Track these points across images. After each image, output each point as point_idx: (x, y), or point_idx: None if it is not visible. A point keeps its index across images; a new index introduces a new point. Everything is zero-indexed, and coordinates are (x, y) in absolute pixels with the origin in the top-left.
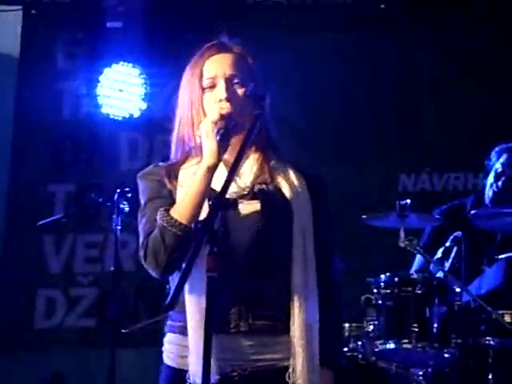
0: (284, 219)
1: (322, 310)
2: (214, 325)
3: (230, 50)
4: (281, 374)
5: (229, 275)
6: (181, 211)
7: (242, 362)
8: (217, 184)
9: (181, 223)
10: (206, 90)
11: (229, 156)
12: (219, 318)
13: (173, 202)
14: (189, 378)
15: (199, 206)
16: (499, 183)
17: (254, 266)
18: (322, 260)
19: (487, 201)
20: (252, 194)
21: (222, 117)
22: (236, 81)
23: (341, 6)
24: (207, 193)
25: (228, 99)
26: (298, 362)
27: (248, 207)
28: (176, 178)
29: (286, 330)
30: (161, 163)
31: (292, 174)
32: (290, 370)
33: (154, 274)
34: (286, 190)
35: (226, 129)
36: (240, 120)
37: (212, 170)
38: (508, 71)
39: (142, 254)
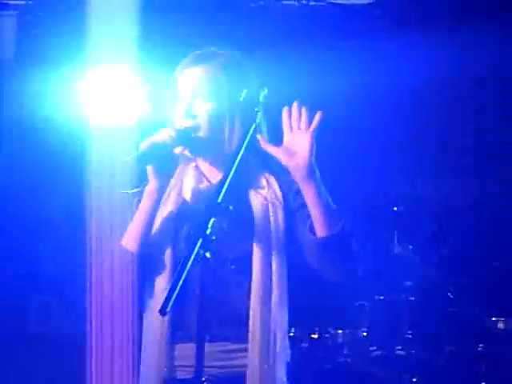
0: (245, 229)
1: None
2: (177, 334)
3: (204, 62)
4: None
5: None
6: (126, 237)
7: (209, 369)
8: (186, 192)
9: (126, 250)
10: (179, 100)
11: (201, 162)
12: (183, 326)
13: None
14: None
15: (146, 230)
16: None
17: (216, 275)
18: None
19: None
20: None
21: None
22: (201, 97)
23: None
24: (151, 215)
25: (187, 116)
26: (250, 370)
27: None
28: None
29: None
30: None
31: (264, 181)
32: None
33: None
34: (253, 199)
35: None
36: (207, 134)
37: (153, 194)
38: None
39: None
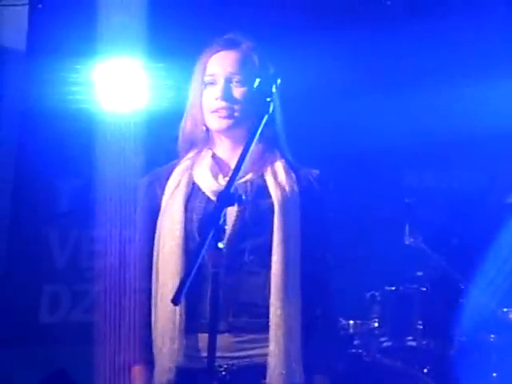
0: (264, 218)
1: (312, 316)
2: (195, 324)
3: (236, 47)
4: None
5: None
6: None
7: (226, 360)
8: (202, 179)
9: None
10: (207, 85)
11: (223, 149)
12: (200, 316)
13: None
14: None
15: None
16: None
17: (233, 265)
18: (313, 269)
19: None
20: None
21: None
22: (236, 79)
23: None
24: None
25: (223, 98)
26: (272, 361)
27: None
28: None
29: (268, 326)
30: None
31: (283, 171)
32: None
33: None
34: (272, 188)
35: None
36: (239, 117)
37: None
38: None
39: None
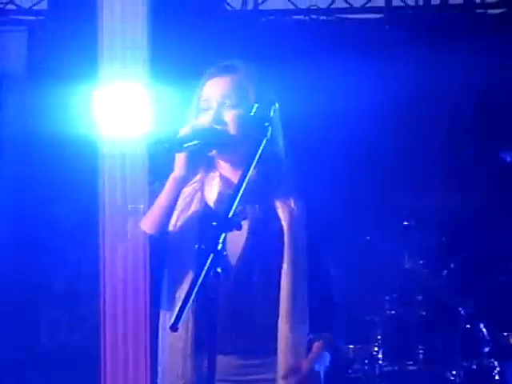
0: (273, 241)
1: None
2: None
3: (231, 72)
4: None
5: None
6: (145, 220)
7: (229, 383)
8: (211, 199)
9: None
10: (202, 111)
11: (226, 171)
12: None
13: None
14: None
15: (165, 216)
16: None
17: (240, 287)
18: (319, 292)
19: None
20: (242, 214)
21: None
22: (228, 103)
23: None
24: (172, 202)
25: (215, 122)
26: None
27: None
28: None
29: (275, 350)
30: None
31: (289, 193)
32: None
33: None
34: (280, 211)
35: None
36: (233, 141)
37: (179, 181)
38: None
39: None
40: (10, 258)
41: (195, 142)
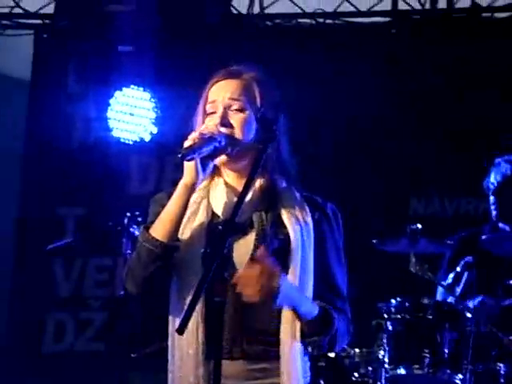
0: (279, 249)
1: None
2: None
3: (238, 76)
4: None
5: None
6: (156, 227)
7: None
8: (218, 207)
9: (154, 238)
10: (208, 114)
11: (231, 179)
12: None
13: None
14: None
15: (176, 223)
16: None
17: None
18: (328, 300)
19: (494, 219)
20: (249, 222)
21: (205, 135)
22: (235, 107)
23: None
24: (183, 210)
25: (223, 125)
26: None
27: (242, 235)
28: None
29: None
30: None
31: (296, 202)
32: None
33: (133, 293)
34: (286, 219)
35: (213, 149)
36: (238, 145)
37: (189, 188)
38: None
39: (123, 274)
40: (16, 261)
41: (207, 148)
